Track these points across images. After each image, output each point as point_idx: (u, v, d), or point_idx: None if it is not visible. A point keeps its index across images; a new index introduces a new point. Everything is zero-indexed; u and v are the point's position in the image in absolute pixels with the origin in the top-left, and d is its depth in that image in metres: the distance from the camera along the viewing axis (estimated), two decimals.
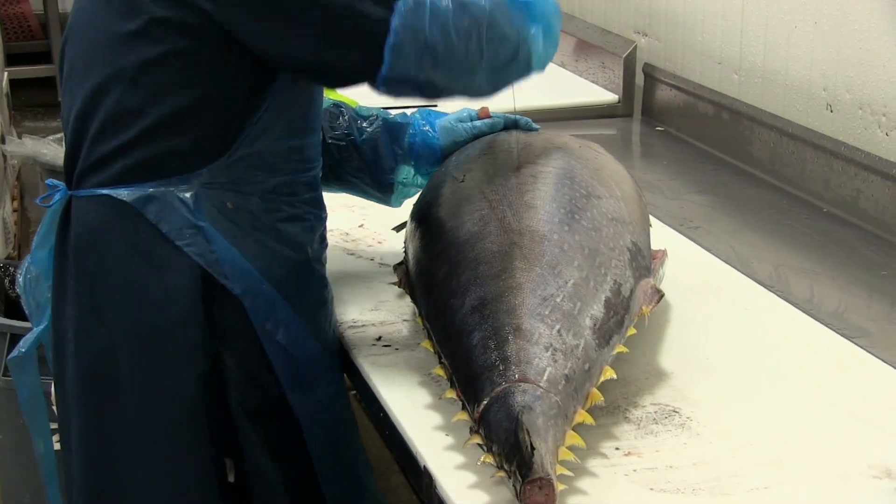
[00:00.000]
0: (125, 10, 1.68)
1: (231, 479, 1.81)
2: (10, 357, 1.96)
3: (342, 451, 1.89)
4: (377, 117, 2.08)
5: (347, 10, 1.62)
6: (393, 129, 2.06)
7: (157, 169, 1.70)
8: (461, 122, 2.07)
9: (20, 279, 1.92)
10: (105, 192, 1.71)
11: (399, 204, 2.13)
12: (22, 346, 1.94)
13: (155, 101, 1.68)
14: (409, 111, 2.11)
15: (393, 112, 2.12)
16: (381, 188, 2.09)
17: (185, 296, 1.72)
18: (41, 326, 1.91)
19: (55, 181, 1.83)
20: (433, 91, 1.74)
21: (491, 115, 2.10)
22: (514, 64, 1.78)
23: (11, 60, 6.92)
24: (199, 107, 1.69)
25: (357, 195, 2.13)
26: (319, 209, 1.86)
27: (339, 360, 1.89)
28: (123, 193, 1.70)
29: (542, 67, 1.83)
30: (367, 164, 2.05)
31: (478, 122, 2.09)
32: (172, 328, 1.72)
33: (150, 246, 1.71)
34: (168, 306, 1.72)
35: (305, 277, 1.83)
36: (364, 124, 2.07)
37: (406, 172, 2.07)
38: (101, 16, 1.72)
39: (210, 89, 1.69)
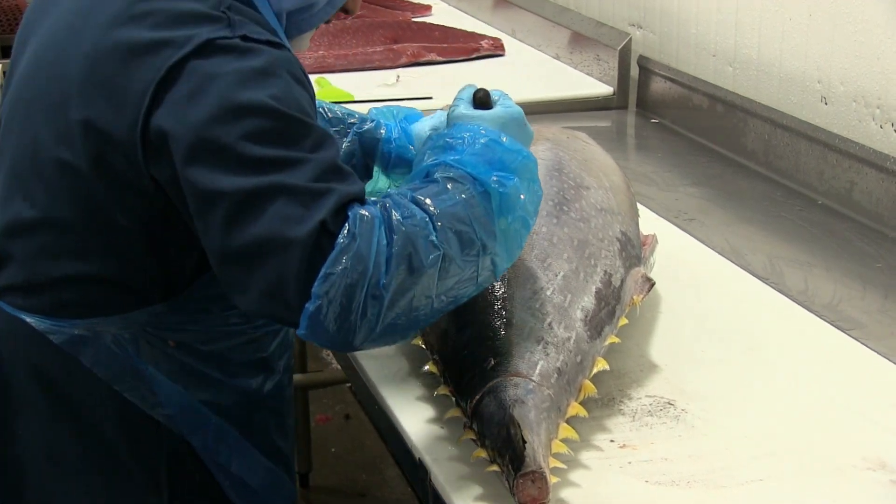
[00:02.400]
0: (73, 141, 1.48)
1: None
2: None
3: None
4: (351, 129, 1.96)
5: (277, 261, 1.35)
6: (367, 143, 1.95)
7: (95, 306, 1.54)
8: (435, 130, 1.94)
9: None
10: (31, 321, 1.55)
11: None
12: None
13: (101, 240, 1.52)
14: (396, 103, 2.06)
15: (366, 106, 2.05)
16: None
17: (126, 448, 1.59)
18: None
19: None
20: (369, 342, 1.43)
21: None
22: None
23: (5, 52, 6.91)
24: (150, 250, 1.53)
25: None
26: (267, 334, 1.70)
27: (293, 472, 1.80)
28: (51, 330, 1.54)
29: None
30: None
31: None
32: (114, 486, 1.60)
33: (72, 390, 1.57)
34: (106, 463, 1.59)
35: (258, 404, 1.71)
36: (335, 131, 1.95)
37: (381, 178, 1.99)
38: (47, 136, 1.52)
39: (161, 238, 1.53)
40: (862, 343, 1.84)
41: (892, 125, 2.36)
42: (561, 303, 1.57)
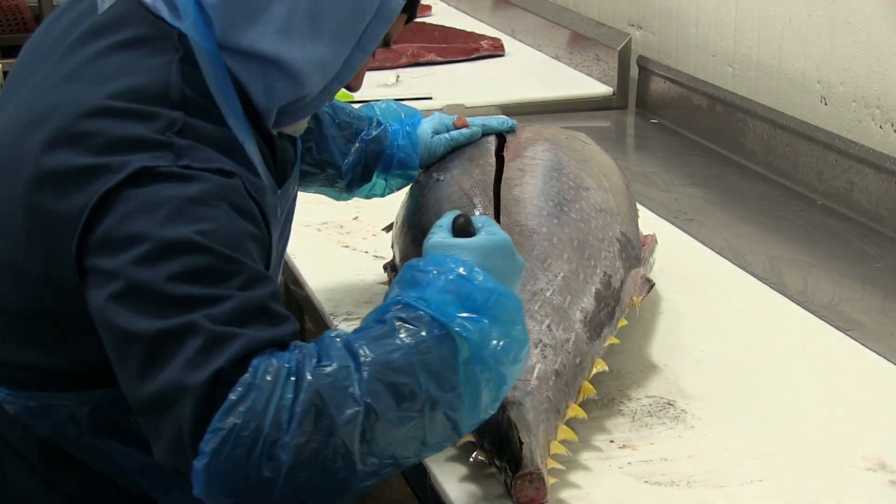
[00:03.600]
0: (22, 253, 1.38)
1: None
2: None
3: None
4: (359, 136, 1.92)
5: (170, 411, 1.22)
6: (373, 149, 1.91)
7: (47, 385, 1.44)
8: (437, 132, 1.94)
9: None
10: None
11: (344, 198, 2.00)
12: None
13: (47, 331, 1.41)
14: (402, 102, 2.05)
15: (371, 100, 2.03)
16: (339, 194, 1.98)
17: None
18: None
19: None
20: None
21: (468, 122, 1.96)
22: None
23: (5, 53, 6.91)
24: (98, 345, 1.36)
25: (308, 191, 1.96)
26: None
27: None
28: (8, 400, 1.46)
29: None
30: (343, 180, 1.93)
31: (455, 133, 1.95)
32: None
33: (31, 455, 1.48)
34: None
35: None
36: (342, 141, 1.91)
37: (376, 178, 1.95)
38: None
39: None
40: (861, 343, 1.84)
41: (892, 125, 2.36)
42: (560, 304, 1.57)
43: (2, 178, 1.40)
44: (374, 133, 1.93)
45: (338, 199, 2.00)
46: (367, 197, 2.01)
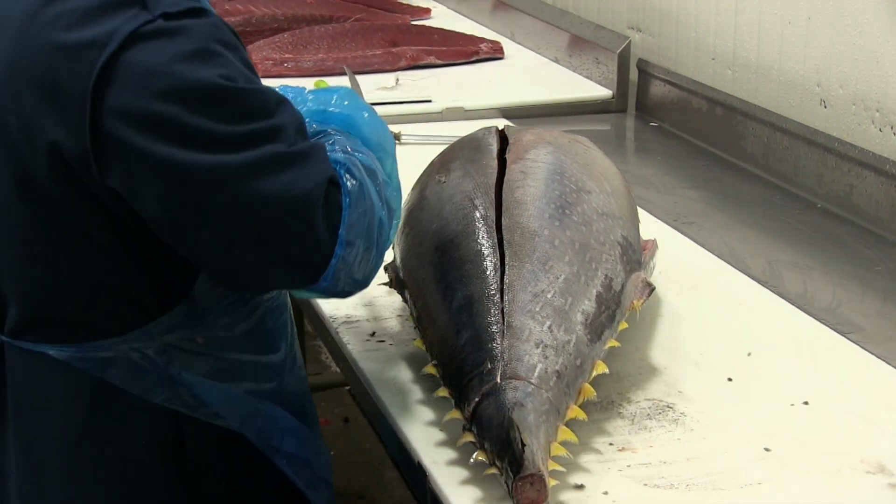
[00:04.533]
0: (29, 160, 1.43)
1: None
2: None
3: None
4: None
5: (294, 225, 1.41)
6: None
7: (110, 327, 1.50)
8: None
9: None
10: (50, 352, 1.50)
11: None
12: None
13: (97, 265, 1.48)
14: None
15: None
16: None
17: (155, 466, 1.56)
18: None
19: None
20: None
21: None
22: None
23: None
24: (141, 259, 1.49)
25: None
26: (280, 294, 1.69)
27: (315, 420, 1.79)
28: (74, 357, 1.50)
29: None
30: None
31: None
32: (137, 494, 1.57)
33: (109, 416, 1.53)
34: (133, 484, 1.56)
35: (286, 374, 1.69)
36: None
37: None
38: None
39: (146, 243, 1.47)
40: (861, 346, 1.84)
41: (892, 128, 2.36)
42: (561, 306, 1.57)
43: None
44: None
45: None
46: None
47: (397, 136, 2.67)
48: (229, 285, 1.51)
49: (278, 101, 1.43)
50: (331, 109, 1.61)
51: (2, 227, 1.50)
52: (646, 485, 1.47)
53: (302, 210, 1.40)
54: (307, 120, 1.55)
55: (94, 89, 1.35)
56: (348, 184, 1.45)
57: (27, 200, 1.45)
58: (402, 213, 1.91)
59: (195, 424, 1.57)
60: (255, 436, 1.62)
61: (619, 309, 1.65)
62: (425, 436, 1.58)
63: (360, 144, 1.56)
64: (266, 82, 1.49)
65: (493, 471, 1.40)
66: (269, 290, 1.60)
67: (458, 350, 1.54)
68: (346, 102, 1.62)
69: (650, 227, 2.24)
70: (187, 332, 1.53)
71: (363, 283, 1.53)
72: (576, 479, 1.46)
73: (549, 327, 1.53)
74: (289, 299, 1.73)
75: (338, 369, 1.92)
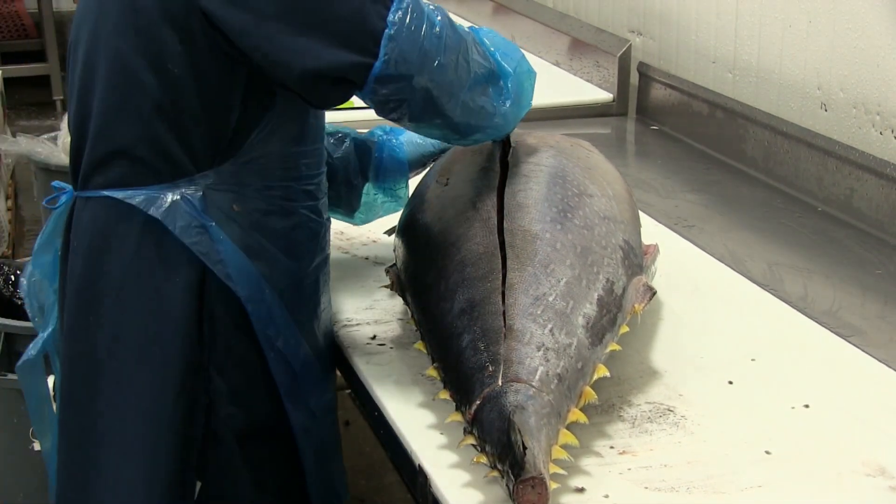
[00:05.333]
0: (131, 8, 1.66)
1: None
2: (18, 364, 1.95)
3: (327, 464, 1.88)
4: (347, 136, 2.07)
5: (350, 5, 1.59)
6: (361, 146, 2.06)
7: (162, 170, 1.69)
8: (426, 137, 2.03)
9: (24, 284, 1.92)
10: (108, 194, 1.70)
11: (362, 222, 2.14)
12: (31, 349, 1.93)
13: (163, 101, 1.66)
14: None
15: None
16: (349, 206, 2.10)
17: (182, 305, 1.70)
18: (47, 331, 1.90)
19: (61, 184, 1.83)
20: (423, 101, 1.65)
21: None
22: (489, 97, 1.75)
23: (5, 59, 6.91)
24: (208, 108, 1.67)
25: None
26: (320, 217, 1.83)
27: (328, 373, 1.88)
28: (128, 195, 1.69)
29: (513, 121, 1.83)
30: (339, 182, 2.04)
31: None
32: (163, 336, 1.70)
33: (152, 251, 1.70)
34: (162, 315, 1.70)
35: (303, 287, 1.81)
36: (333, 141, 2.06)
37: (371, 190, 2.09)
38: (113, 10, 1.69)
39: (218, 93, 1.67)
40: (861, 350, 1.85)
41: (892, 132, 2.37)
42: (563, 309, 1.57)
43: None
44: (362, 137, 2.07)
45: (345, 218, 2.12)
46: (368, 205, 2.07)
47: None
48: (289, 72, 1.61)
49: None
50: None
51: (97, 59, 1.70)
52: (646, 488, 1.47)
53: None
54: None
55: None
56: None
57: (126, 30, 1.66)
58: (404, 217, 1.91)
59: (217, 283, 1.70)
60: (255, 316, 1.73)
61: (620, 312, 1.65)
62: (426, 439, 1.58)
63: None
64: None
65: (494, 473, 1.40)
66: (330, 79, 1.64)
67: (459, 353, 1.54)
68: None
69: (651, 230, 2.24)
70: (227, 193, 1.70)
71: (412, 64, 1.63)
72: (577, 481, 1.46)
73: (551, 330, 1.54)
74: (329, 250, 1.88)
75: (338, 373, 1.92)
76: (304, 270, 1.81)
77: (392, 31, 1.59)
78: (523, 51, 1.97)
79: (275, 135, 1.72)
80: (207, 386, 1.73)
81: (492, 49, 1.80)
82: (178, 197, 1.68)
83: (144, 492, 1.72)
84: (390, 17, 1.59)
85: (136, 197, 1.69)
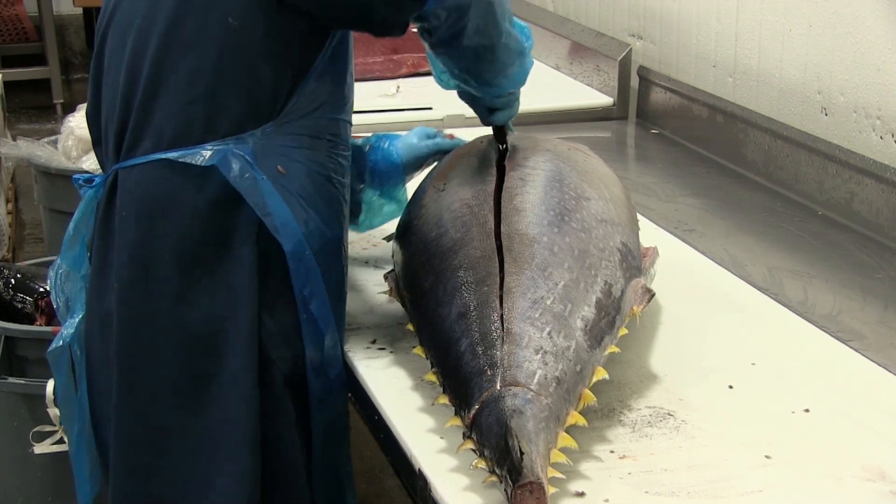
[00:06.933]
0: None
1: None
2: (49, 350, 1.98)
3: (333, 449, 1.88)
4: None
5: None
6: (356, 151, 2.07)
7: (210, 130, 1.73)
8: (421, 140, 2.12)
9: (51, 276, 1.96)
10: (161, 156, 1.74)
11: (363, 230, 2.15)
12: (62, 337, 1.97)
13: (209, 64, 1.72)
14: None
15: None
16: (350, 212, 2.10)
17: (240, 259, 1.75)
18: (76, 318, 1.94)
19: (85, 174, 1.88)
20: (484, 14, 1.79)
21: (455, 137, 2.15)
22: (517, 60, 1.92)
23: (5, 62, 6.92)
24: (264, 64, 1.73)
25: None
26: (346, 193, 1.90)
27: (343, 349, 1.89)
28: (181, 155, 1.73)
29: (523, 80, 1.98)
30: None
31: (439, 139, 2.13)
32: (227, 291, 1.75)
33: (207, 209, 1.74)
34: (222, 267, 1.75)
35: (333, 257, 1.85)
36: None
37: (370, 195, 2.11)
38: None
39: (273, 47, 1.73)
40: (862, 354, 1.84)
41: (893, 136, 2.37)
42: (561, 312, 1.57)
43: None
44: (356, 143, 2.08)
45: (355, 227, 2.13)
46: (368, 210, 2.09)
47: None
48: (349, 11, 1.73)
49: None
50: None
51: (152, 22, 1.75)
52: (647, 492, 1.47)
53: None
54: None
55: None
56: None
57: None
58: (402, 223, 1.92)
59: (268, 234, 1.75)
60: (295, 274, 1.77)
61: (618, 315, 1.65)
62: (426, 443, 1.58)
63: None
64: None
65: (493, 478, 1.40)
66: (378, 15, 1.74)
67: (457, 357, 1.54)
68: None
69: (651, 234, 2.24)
70: (272, 155, 1.76)
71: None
72: (577, 486, 1.46)
73: (549, 333, 1.53)
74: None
75: None
76: (334, 241, 1.85)
77: None
78: None
79: (317, 98, 1.79)
80: (261, 335, 1.77)
81: None
82: (229, 153, 1.72)
83: (213, 431, 1.77)
84: None
85: (190, 154, 1.72)
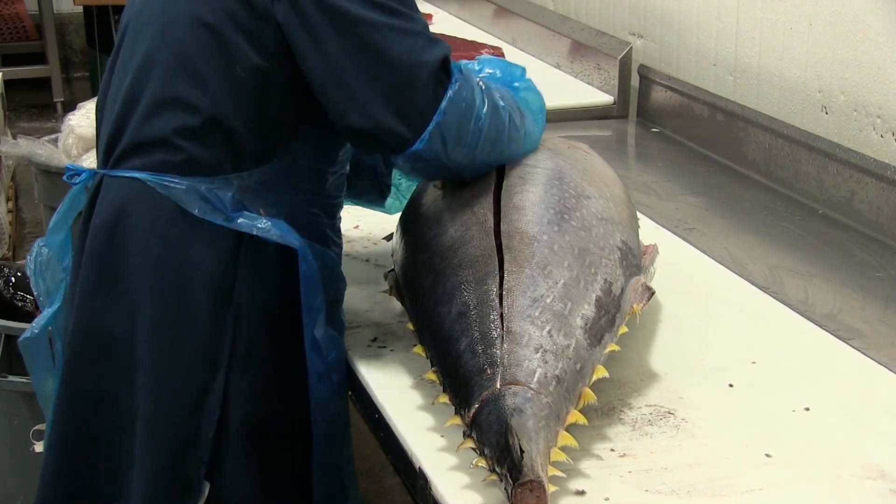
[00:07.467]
0: (206, 7, 1.72)
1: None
2: (21, 338, 1.98)
3: (336, 450, 1.88)
4: None
5: (411, 81, 1.67)
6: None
7: (199, 166, 1.72)
8: None
9: (30, 261, 1.94)
10: (145, 176, 1.73)
11: (393, 212, 2.14)
12: (35, 325, 1.95)
13: (214, 99, 1.71)
14: None
15: None
16: (380, 194, 2.12)
17: (209, 293, 1.73)
18: (54, 307, 1.93)
19: (76, 167, 1.88)
20: (446, 173, 1.80)
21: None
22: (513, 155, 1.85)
23: (6, 61, 6.91)
24: (255, 115, 1.73)
25: (354, 203, 2.13)
26: (338, 238, 1.90)
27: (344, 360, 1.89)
28: (163, 181, 1.72)
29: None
30: (365, 172, 2.07)
31: None
32: (183, 321, 1.72)
33: (184, 231, 1.73)
34: (189, 303, 1.73)
35: (329, 278, 1.84)
36: None
37: (398, 177, 2.12)
38: (184, 11, 1.74)
39: (263, 107, 1.73)
40: (862, 352, 1.84)
41: (893, 135, 2.37)
42: (561, 310, 1.57)
43: None
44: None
45: (377, 205, 2.16)
46: (397, 191, 2.15)
47: None
48: (342, 118, 1.70)
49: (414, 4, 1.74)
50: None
51: (160, 51, 1.75)
52: (647, 491, 1.47)
53: (420, 70, 1.66)
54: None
55: None
56: (458, 75, 1.70)
57: (193, 26, 1.72)
58: (402, 222, 1.92)
59: (244, 275, 1.75)
60: (304, 275, 1.76)
61: (618, 313, 1.65)
62: (426, 442, 1.58)
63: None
64: None
65: (494, 477, 1.40)
66: (373, 137, 1.71)
67: (457, 356, 1.54)
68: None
69: (651, 233, 2.24)
70: (257, 197, 1.76)
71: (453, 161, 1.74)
72: (577, 484, 1.46)
73: (549, 332, 1.53)
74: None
75: None
76: (325, 259, 1.84)
77: (441, 119, 1.67)
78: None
79: (311, 148, 1.80)
80: (226, 386, 1.74)
81: (524, 111, 1.87)
82: (212, 194, 1.72)
83: (151, 486, 1.73)
84: (443, 105, 1.68)
85: (171, 184, 1.71)
